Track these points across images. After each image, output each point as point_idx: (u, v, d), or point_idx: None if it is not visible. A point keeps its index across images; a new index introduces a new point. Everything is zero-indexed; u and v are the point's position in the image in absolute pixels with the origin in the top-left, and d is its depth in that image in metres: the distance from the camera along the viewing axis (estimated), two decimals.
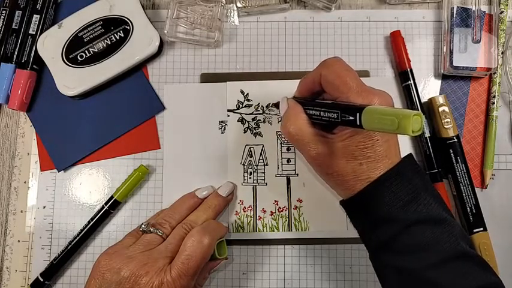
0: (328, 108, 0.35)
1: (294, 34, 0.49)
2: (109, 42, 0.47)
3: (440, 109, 0.45)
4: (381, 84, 0.47)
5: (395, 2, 0.49)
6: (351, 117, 0.31)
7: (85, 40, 0.47)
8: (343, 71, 0.36)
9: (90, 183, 0.48)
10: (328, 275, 0.46)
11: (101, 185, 0.48)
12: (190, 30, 0.48)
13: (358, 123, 0.31)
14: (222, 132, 0.48)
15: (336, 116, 0.34)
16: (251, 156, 0.47)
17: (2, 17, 0.48)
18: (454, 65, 0.46)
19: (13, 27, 0.48)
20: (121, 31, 0.47)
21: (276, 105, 0.47)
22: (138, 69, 0.49)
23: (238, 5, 0.48)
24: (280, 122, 0.47)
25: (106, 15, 0.48)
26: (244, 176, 0.47)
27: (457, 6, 0.47)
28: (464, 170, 0.45)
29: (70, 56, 0.47)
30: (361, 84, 0.35)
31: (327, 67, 0.36)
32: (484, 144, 0.47)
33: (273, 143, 0.47)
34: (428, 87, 0.48)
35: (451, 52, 0.46)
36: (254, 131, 0.48)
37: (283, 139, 0.47)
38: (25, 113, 0.49)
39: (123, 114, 0.48)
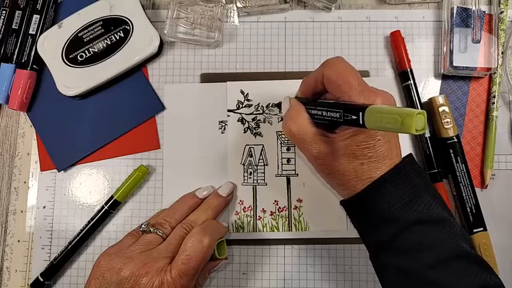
0: (331, 107, 0.35)
1: (294, 34, 0.49)
2: (109, 42, 0.47)
3: (440, 109, 0.45)
4: (381, 84, 0.47)
5: (395, 2, 0.49)
6: (354, 117, 0.32)
7: (85, 40, 0.47)
8: (345, 71, 0.36)
9: (90, 183, 0.48)
10: (328, 275, 0.46)
11: (101, 185, 0.48)
12: (190, 30, 0.48)
13: (361, 122, 0.31)
14: (222, 132, 0.48)
15: (338, 116, 0.34)
16: (251, 156, 0.47)
17: (2, 17, 0.48)
18: (454, 65, 0.46)
19: (13, 27, 0.48)
20: (121, 31, 0.47)
21: (278, 105, 0.47)
22: (138, 69, 0.49)
23: (238, 5, 0.48)
24: (280, 122, 0.47)
25: (106, 15, 0.48)
26: (244, 176, 0.47)
27: (457, 6, 0.47)
28: (464, 170, 0.45)
29: (70, 56, 0.47)
30: (364, 84, 0.35)
31: (330, 67, 0.36)
32: (484, 144, 0.47)
33: (273, 143, 0.47)
34: (428, 87, 0.48)
35: (451, 52, 0.46)
36: (254, 131, 0.48)
37: (283, 139, 0.47)
38: (25, 113, 0.49)
39: (123, 114, 0.48)
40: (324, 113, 0.35)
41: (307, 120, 0.37)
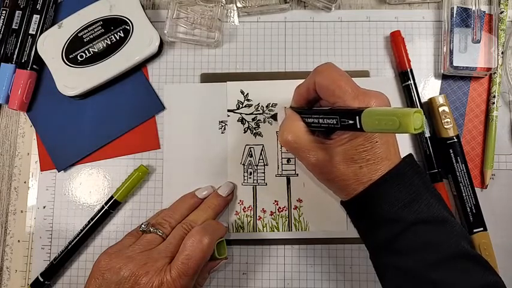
0: (327, 114, 0.34)
1: (294, 34, 0.49)
2: (109, 42, 0.47)
3: (440, 109, 0.45)
4: (381, 84, 0.48)
5: (395, 2, 0.49)
6: (351, 121, 0.31)
7: (85, 40, 0.47)
8: (337, 76, 0.36)
9: (90, 183, 0.48)
10: (328, 275, 0.46)
11: (101, 185, 0.48)
12: (190, 30, 0.48)
13: (358, 126, 0.31)
14: (222, 132, 0.48)
15: (335, 122, 0.33)
16: (251, 156, 0.47)
17: (2, 17, 0.48)
18: (454, 65, 0.46)
19: (13, 27, 0.48)
20: (121, 31, 0.47)
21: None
22: (138, 69, 0.49)
23: (238, 5, 0.48)
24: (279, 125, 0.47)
25: (106, 15, 0.48)
26: (244, 176, 0.47)
27: (457, 6, 0.47)
28: (464, 170, 0.45)
29: (70, 56, 0.47)
30: (357, 87, 0.35)
31: (321, 73, 0.36)
32: (484, 144, 0.47)
33: (273, 143, 0.47)
34: (428, 87, 0.48)
35: (451, 52, 0.46)
36: (254, 131, 0.48)
37: None
38: (25, 113, 0.49)
39: (123, 114, 0.48)
40: (321, 120, 0.35)
41: (304, 129, 0.37)
